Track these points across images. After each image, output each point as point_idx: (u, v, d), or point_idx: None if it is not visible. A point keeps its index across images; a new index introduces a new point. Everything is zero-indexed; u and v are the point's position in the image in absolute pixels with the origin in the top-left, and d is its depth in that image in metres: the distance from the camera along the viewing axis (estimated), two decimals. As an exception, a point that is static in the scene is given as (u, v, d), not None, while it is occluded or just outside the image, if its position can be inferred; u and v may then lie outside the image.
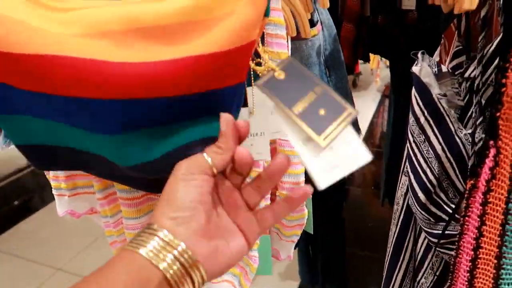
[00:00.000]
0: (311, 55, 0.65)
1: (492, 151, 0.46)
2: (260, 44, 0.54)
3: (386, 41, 1.24)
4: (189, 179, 0.32)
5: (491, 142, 0.45)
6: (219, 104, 0.41)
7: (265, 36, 0.54)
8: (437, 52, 0.70)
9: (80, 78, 0.34)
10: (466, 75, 0.58)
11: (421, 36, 1.14)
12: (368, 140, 2.87)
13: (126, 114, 0.37)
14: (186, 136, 0.38)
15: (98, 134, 0.36)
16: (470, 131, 0.56)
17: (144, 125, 0.38)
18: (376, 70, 3.73)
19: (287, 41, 0.59)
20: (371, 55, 2.44)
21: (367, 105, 3.42)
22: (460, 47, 0.63)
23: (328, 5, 0.49)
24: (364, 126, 3.14)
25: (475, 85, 0.53)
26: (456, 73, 0.61)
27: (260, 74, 0.37)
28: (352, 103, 0.75)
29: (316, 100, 0.35)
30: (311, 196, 0.36)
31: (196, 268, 0.31)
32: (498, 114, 0.44)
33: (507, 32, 0.47)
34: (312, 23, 0.65)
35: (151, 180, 0.41)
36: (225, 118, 0.35)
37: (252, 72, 0.47)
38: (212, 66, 0.36)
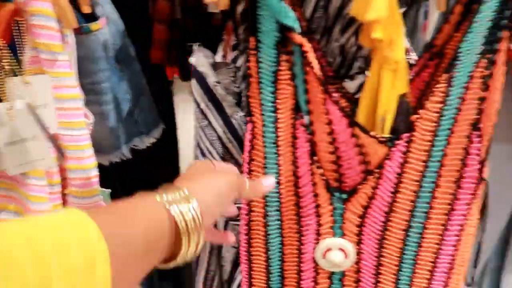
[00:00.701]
0: (97, 49, 0.64)
1: (250, 126, 0.53)
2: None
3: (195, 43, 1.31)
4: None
5: (248, 118, 0.53)
6: None
7: (29, 26, 0.52)
8: (221, 46, 0.77)
9: None
10: (238, 64, 0.65)
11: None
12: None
13: None
14: None
15: None
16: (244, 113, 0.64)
17: None
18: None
19: (65, 34, 0.57)
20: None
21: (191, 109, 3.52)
22: (236, 40, 0.71)
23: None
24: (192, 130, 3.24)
25: (242, 72, 0.61)
26: (232, 63, 0.68)
27: None
28: (148, 98, 0.77)
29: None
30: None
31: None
32: (248, 93, 0.51)
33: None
34: (95, 17, 0.64)
35: None
36: None
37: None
38: None
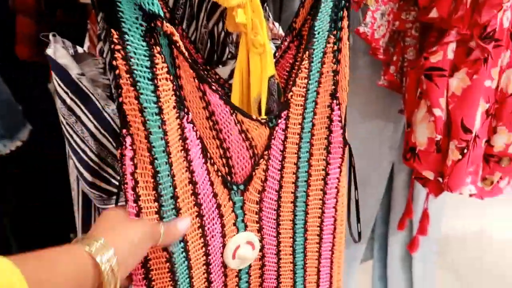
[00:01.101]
0: None
1: (128, 140, 0.44)
2: None
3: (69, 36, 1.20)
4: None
5: (124, 131, 0.44)
6: None
7: None
8: (87, 37, 0.72)
9: None
10: (104, 55, 0.61)
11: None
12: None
13: None
14: None
15: None
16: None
17: None
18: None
19: None
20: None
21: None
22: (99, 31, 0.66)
23: None
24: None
25: (107, 63, 0.57)
26: (99, 54, 0.64)
27: None
28: (7, 97, 0.68)
29: None
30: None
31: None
32: (120, 99, 0.43)
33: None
34: None
35: None
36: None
37: None
38: None
